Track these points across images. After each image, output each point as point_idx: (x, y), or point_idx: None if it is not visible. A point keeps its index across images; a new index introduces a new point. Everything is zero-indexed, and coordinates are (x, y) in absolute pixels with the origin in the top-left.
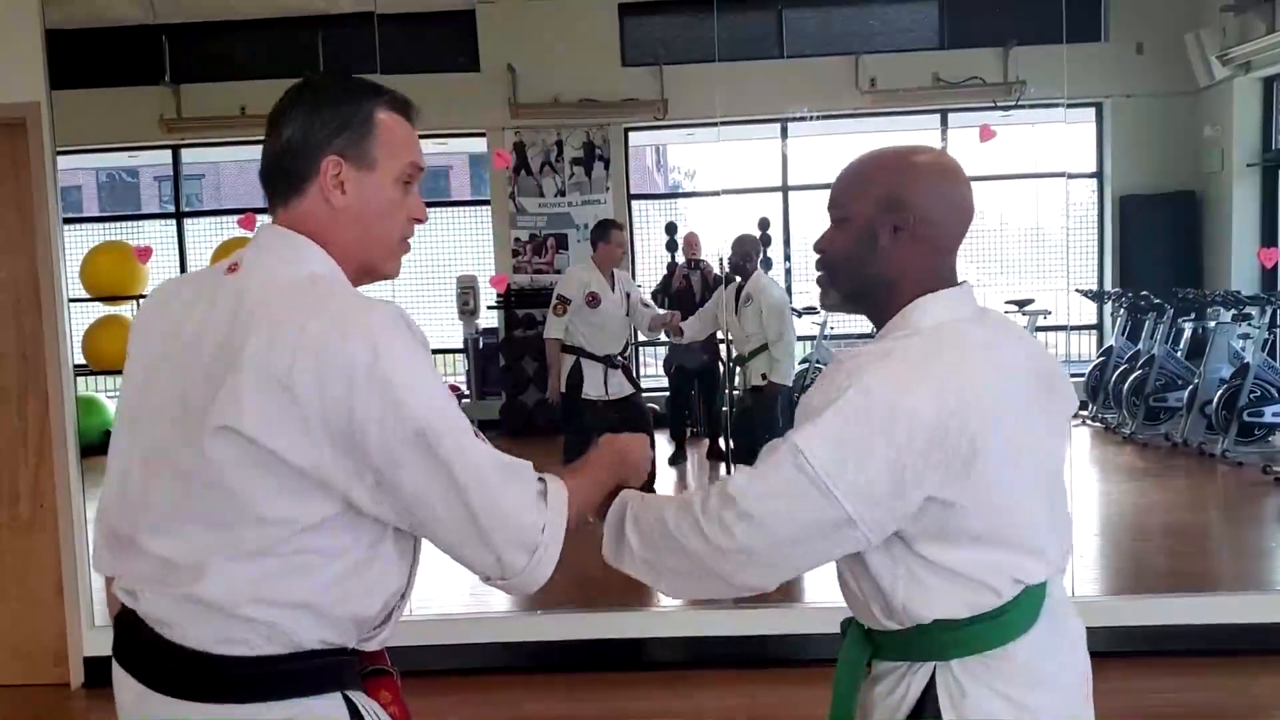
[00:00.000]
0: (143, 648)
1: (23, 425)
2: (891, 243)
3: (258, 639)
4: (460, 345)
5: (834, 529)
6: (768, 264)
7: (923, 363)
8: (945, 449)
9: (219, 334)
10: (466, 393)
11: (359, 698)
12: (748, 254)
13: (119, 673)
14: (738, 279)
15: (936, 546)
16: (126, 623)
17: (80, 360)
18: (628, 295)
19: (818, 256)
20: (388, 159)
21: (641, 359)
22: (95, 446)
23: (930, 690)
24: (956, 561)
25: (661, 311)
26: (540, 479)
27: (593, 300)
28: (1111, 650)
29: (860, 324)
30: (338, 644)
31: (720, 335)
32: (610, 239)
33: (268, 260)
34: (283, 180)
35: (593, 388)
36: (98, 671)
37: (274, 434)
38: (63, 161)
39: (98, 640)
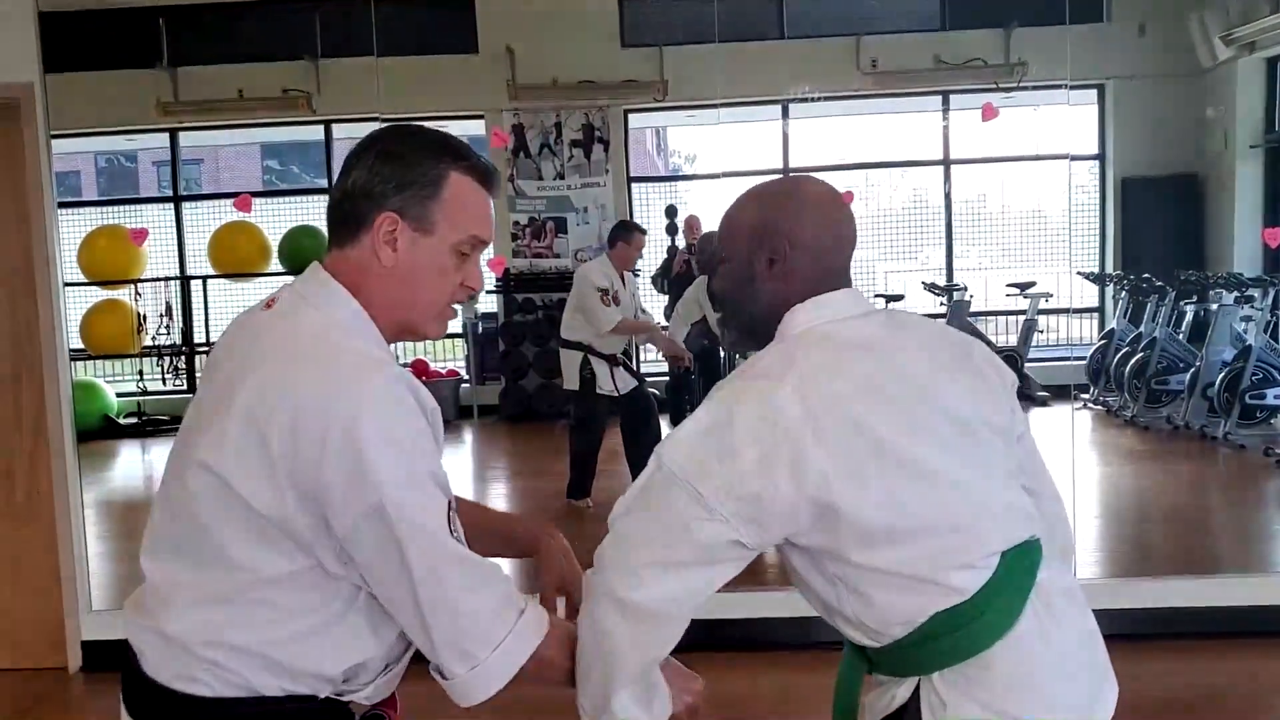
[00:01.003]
0: (127, 673)
1: (17, 412)
2: (768, 274)
3: (215, 681)
4: (459, 330)
5: (704, 531)
6: None
7: (785, 365)
8: (825, 444)
9: (232, 369)
10: (466, 378)
11: None
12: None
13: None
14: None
15: (857, 552)
16: (130, 656)
17: (78, 344)
18: (634, 295)
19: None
20: (448, 226)
21: (636, 357)
22: (93, 431)
23: (914, 701)
24: (883, 561)
25: (664, 333)
26: (524, 600)
27: (614, 299)
28: (1112, 633)
29: None
30: (304, 694)
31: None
32: (633, 241)
33: (298, 304)
34: (340, 224)
35: (604, 382)
36: (96, 655)
37: (244, 478)
38: (61, 145)
39: (96, 624)
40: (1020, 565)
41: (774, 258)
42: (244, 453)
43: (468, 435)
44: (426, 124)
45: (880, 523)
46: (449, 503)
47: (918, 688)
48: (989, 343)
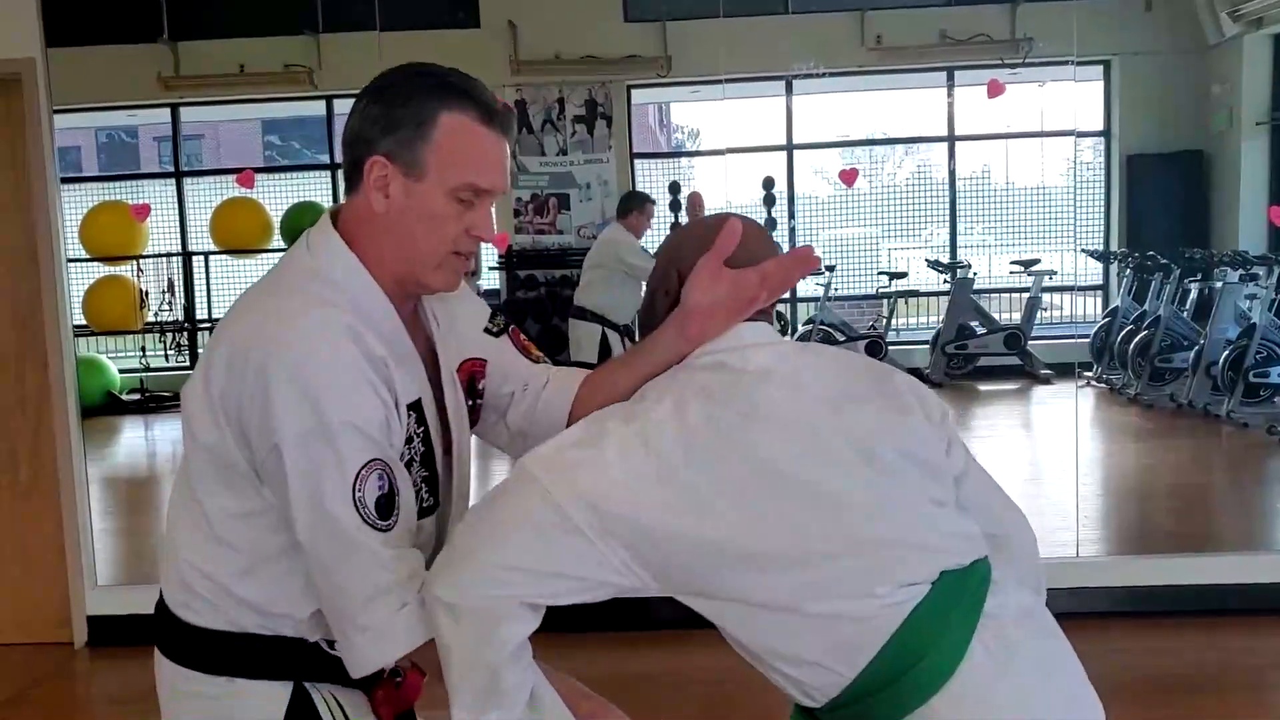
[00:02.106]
0: (160, 599)
1: (21, 389)
2: (666, 309)
3: (206, 611)
4: None
5: (555, 540)
6: (771, 225)
7: (666, 390)
8: (696, 465)
9: None
10: None
11: (322, 689)
12: None
13: None
14: None
15: (736, 581)
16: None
17: (80, 321)
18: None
19: None
20: (441, 171)
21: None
22: (96, 408)
23: None
24: (773, 591)
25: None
26: (412, 595)
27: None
28: (1115, 610)
29: (866, 284)
30: (289, 635)
31: None
32: (645, 210)
33: (296, 249)
34: (346, 171)
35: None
36: (101, 631)
37: (196, 413)
38: (61, 121)
39: (100, 600)
40: (957, 592)
41: (668, 290)
42: (196, 387)
43: None
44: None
45: (764, 548)
46: (371, 460)
47: None
48: (993, 321)
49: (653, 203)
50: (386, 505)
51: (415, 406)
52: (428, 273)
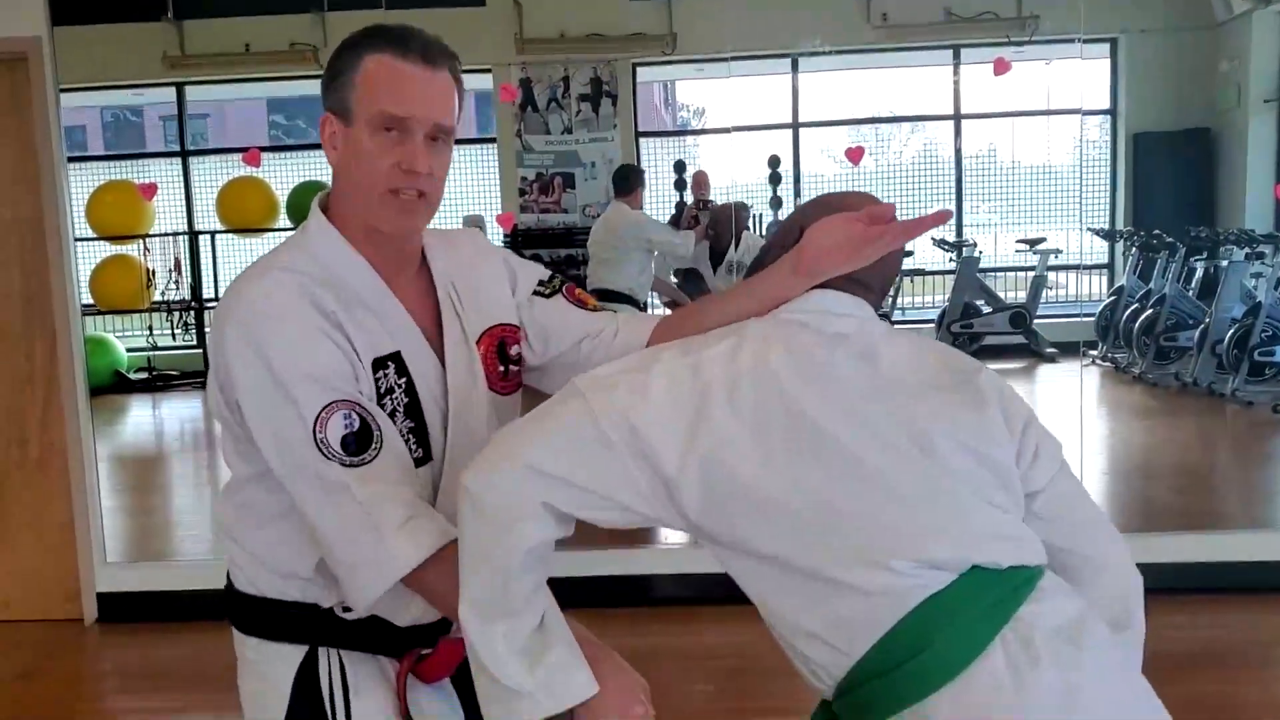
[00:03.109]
0: None
1: (29, 367)
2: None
3: (238, 574)
4: None
5: (587, 450)
6: (777, 203)
7: (732, 333)
8: (736, 407)
9: None
10: None
11: (332, 653)
12: (734, 222)
13: None
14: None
15: (749, 533)
16: None
17: (87, 300)
18: None
19: None
20: (361, 108)
21: (651, 302)
22: (104, 387)
23: None
24: (777, 547)
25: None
26: (403, 520)
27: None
28: None
29: None
30: (300, 599)
31: None
32: (643, 183)
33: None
34: None
35: None
36: (111, 606)
37: (210, 381)
38: (66, 100)
39: (110, 576)
40: (985, 589)
41: (785, 245)
42: (210, 358)
43: None
44: None
45: (781, 497)
46: (331, 403)
47: None
48: (999, 300)
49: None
50: (359, 442)
51: (395, 358)
52: (373, 214)
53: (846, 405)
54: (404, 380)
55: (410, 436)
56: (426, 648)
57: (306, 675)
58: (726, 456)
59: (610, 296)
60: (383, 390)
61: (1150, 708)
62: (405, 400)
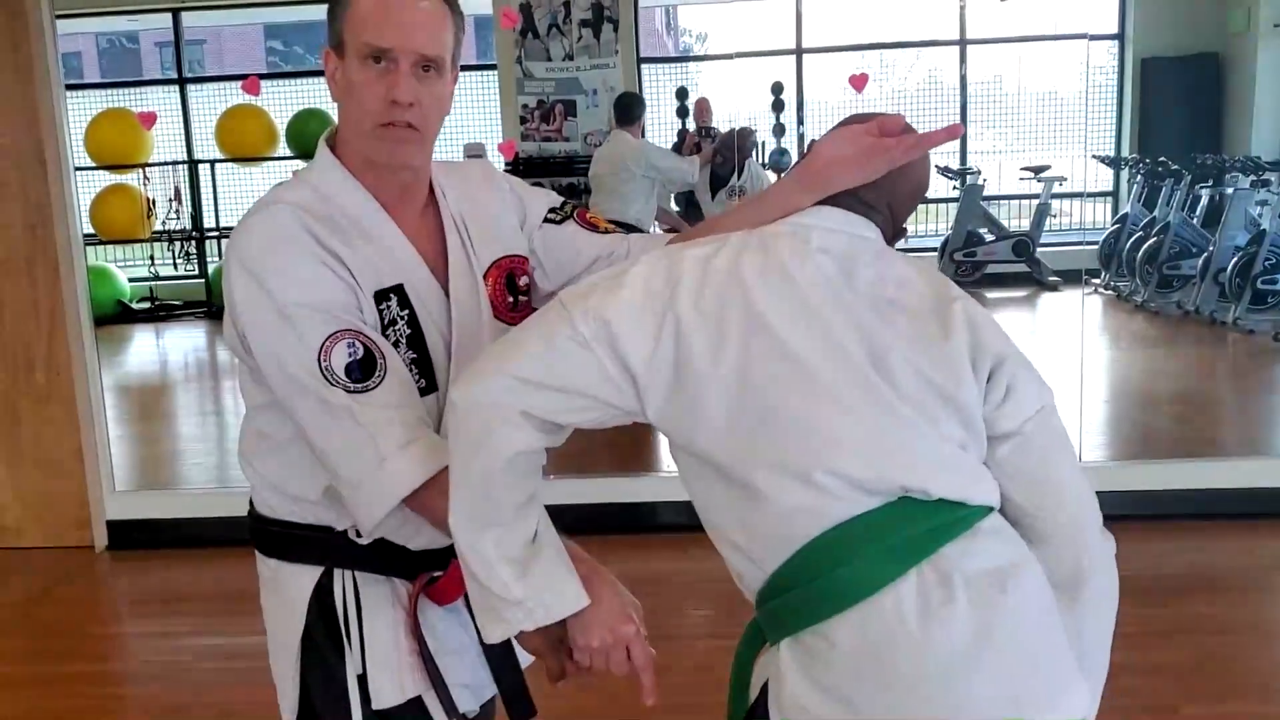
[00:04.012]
0: None
1: (34, 295)
2: None
3: (256, 497)
4: None
5: (564, 337)
6: (780, 130)
7: (717, 240)
8: (700, 308)
9: None
10: None
11: (345, 574)
12: (738, 149)
13: None
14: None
15: (688, 419)
16: None
17: (88, 230)
18: None
19: None
20: (350, 39)
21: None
22: (107, 317)
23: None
24: (710, 443)
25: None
26: (403, 443)
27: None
28: (1119, 514)
29: None
30: (316, 523)
31: None
32: (644, 112)
33: None
34: None
35: None
36: (120, 534)
37: (225, 312)
38: (61, 26)
39: (119, 504)
40: (913, 518)
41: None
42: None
43: None
44: None
45: (723, 396)
46: (335, 332)
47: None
48: (1002, 228)
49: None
50: (363, 369)
51: (397, 290)
52: (367, 147)
53: (806, 311)
54: (406, 312)
55: (413, 367)
56: (439, 570)
57: (322, 594)
58: (683, 350)
59: (619, 226)
60: (386, 322)
61: (1062, 666)
62: (408, 332)
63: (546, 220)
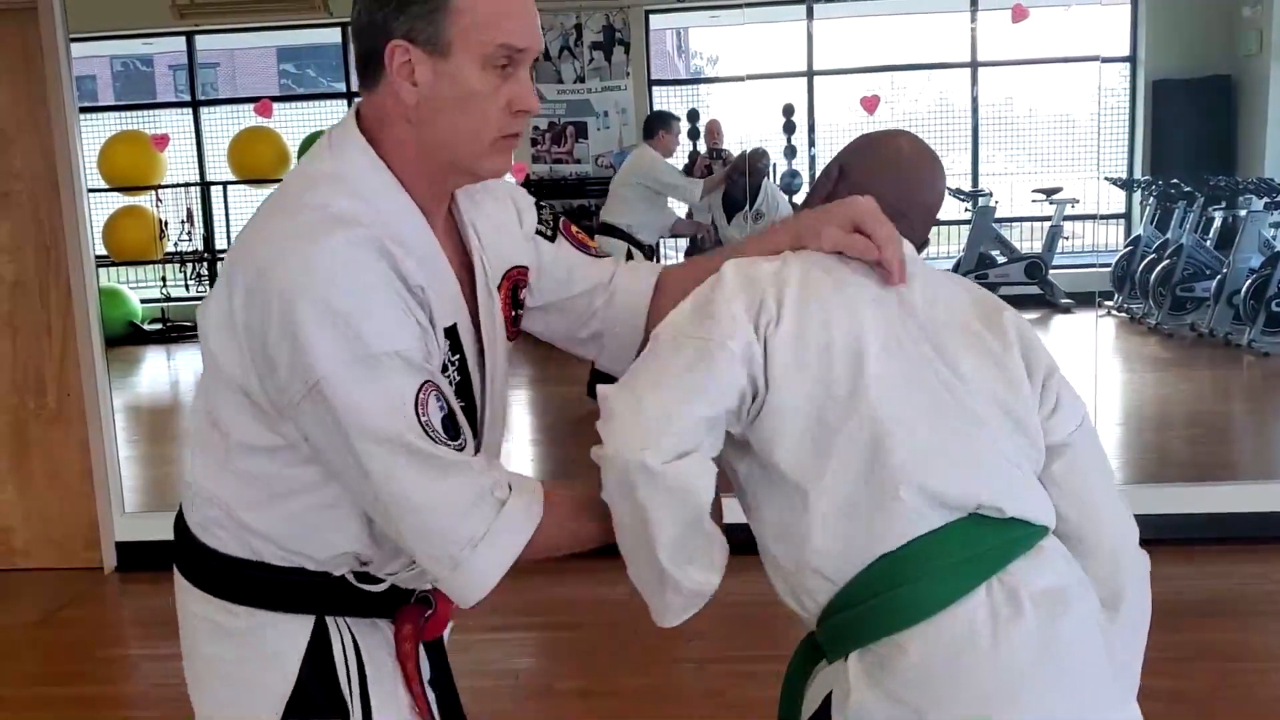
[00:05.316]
0: (178, 517)
1: (46, 316)
2: (820, 198)
3: (226, 537)
4: None
5: (720, 371)
6: (791, 152)
7: (800, 253)
8: (789, 310)
9: None
10: None
11: (341, 623)
12: (751, 171)
13: None
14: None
15: (764, 434)
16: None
17: (100, 251)
18: None
19: None
20: (467, 40)
21: (662, 251)
22: (119, 338)
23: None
24: (783, 448)
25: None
26: (509, 485)
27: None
28: None
29: None
30: (312, 569)
31: None
32: (671, 129)
33: (320, 149)
34: (360, 67)
35: None
36: (130, 556)
37: (218, 337)
38: (76, 50)
39: (129, 526)
40: (985, 533)
41: (825, 184)
42: (218, 316)
43: None
44: None
45: (808, 409)
46: (424, 384)
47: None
48: (1014, 250)
49: (678, 120)
50: (451, 425)
51: (451, 332)
52: (479, 159)
53: (881, 329)
54: (458, 357)
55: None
56: (427, 608)
57: (320, 648)
58: (773, 367)
59: (609, 230)
60: (443, 365)
61: (1113, 688)
62: (458, 379)
63: (538, 232)
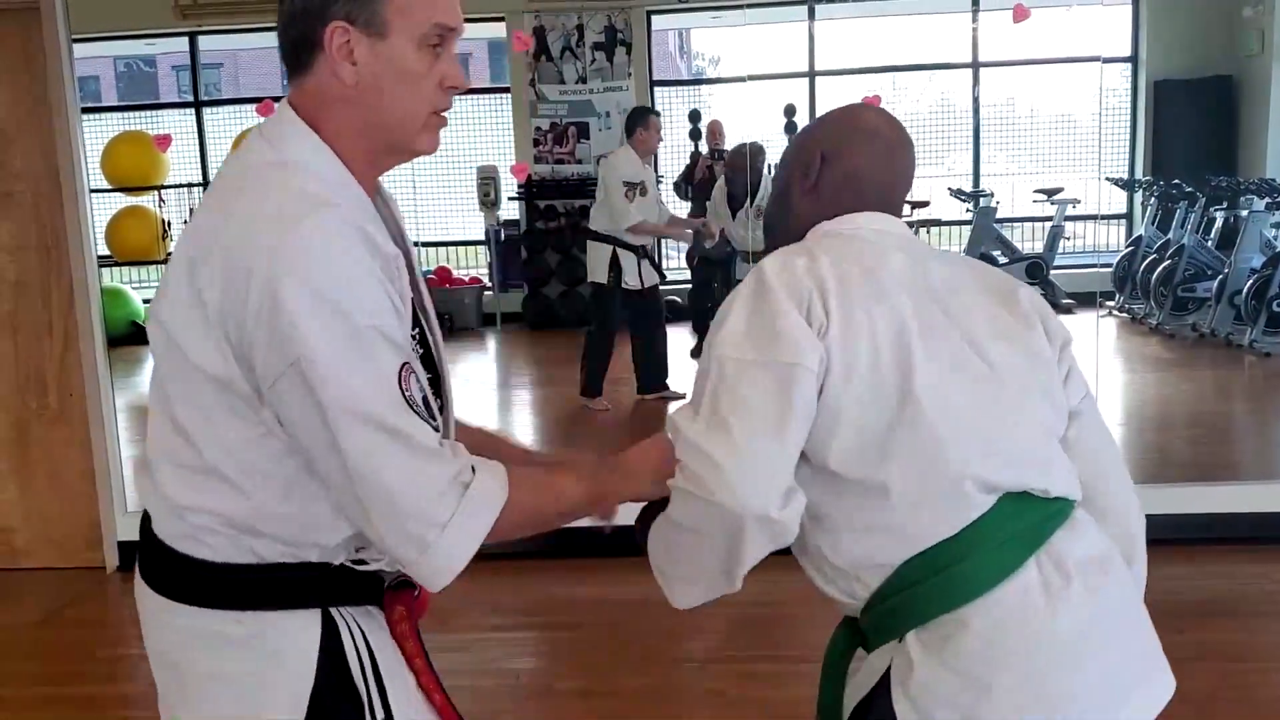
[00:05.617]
0: (142, 534)
1: (48, 316)
2: (801, 191)
3: (221, 545)
4: (481, 237)
5: (783, 379)
6: None
7: (806, 248)
8: (842, 300)
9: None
10: (488, 285)
11: (345, 614)
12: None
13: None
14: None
15: (824, 434)
16: (143, 518)
17: (103, 251)
18: (657, 183)
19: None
20: (403, 20)
21: (663, 249)
22: (122, 338)
23: (888, 672)
24: (837, 450)
25: (684, 218)
26: (472, 468)
27: (642, 190)
28: None
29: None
30: (312, 561)
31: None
32: (649, 125)
33: (255, 140)
34: (291, 54)
35: (630, 277)
36: (132, 555)
37: (183, 328)
38: (79, 50)
39: (131, 526)
40: (1029, 510)
41: (807, 174)
42: (179, 300)
43: (490, 343)
44: None
45: (862, 402)
46: (404, 364)
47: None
48: (1015, 250)
49: (656, 115)
50: (427, 408)
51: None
52: (415, 137)
53: (915, 320)
54: (417, 330)
55: (429, 388)
56: (414, 588)
57: (329, 647)
58: (830, 372)
59: (596, 236)
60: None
61: (1154, 644)
62: (421, 351)
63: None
